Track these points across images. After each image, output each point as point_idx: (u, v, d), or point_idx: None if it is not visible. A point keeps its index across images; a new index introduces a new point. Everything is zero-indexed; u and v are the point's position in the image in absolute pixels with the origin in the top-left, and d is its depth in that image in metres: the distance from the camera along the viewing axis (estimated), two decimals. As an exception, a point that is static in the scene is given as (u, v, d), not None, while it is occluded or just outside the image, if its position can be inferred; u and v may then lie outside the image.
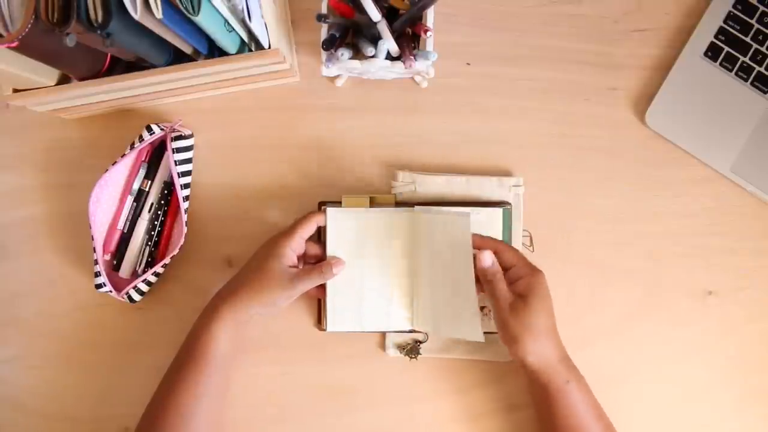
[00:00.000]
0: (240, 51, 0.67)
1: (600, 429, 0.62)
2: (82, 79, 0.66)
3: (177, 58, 0.68)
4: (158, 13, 0.56)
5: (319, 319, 0.72)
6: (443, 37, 0.72)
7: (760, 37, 0.71)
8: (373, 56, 0.64)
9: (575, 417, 0.61)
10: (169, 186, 0.74)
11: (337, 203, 0.71)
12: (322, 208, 0.71)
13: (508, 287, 0.63)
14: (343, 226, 0.70)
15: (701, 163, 0.72)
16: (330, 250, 0.70)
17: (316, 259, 0.71)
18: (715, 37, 0.72)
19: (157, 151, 0.74)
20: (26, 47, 0.56)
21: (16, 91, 0.66)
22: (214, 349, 0.63)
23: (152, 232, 0.73)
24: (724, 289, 0.72)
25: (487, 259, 0.65)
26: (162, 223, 0.74)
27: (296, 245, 0.67)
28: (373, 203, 0.71)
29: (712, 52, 0.72)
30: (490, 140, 0.74)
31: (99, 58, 0.66)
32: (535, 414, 0.66)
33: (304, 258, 0.70)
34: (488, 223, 0.70)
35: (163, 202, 0.73)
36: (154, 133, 0.70)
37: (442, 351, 0.72)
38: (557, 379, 0.62)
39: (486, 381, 0.72)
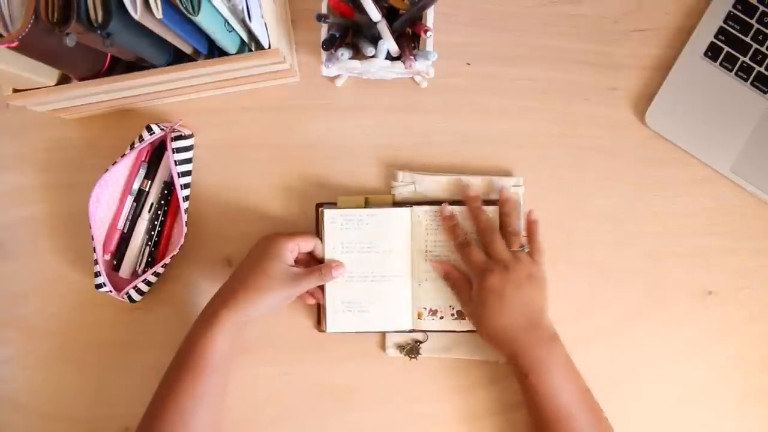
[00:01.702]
0: (240, 51, 0.67)
1: (567, 422, 0.62)
2: (82, 79, 0.66)
3: (177, 58, 0.68)
4: (158, 13, 0.56)
5: (319, 321, 0.72)
6: (443, 37, 0.71)
7: (760, 37, 0.71)
8: (373, 56, 0.64)
9: (538, 409, 0.63)
10: (169, 186, 0.74)
11: (335, 204, 0.71)
12: (320, 210, 0.71)
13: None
14: (341, 228, 0.70)
15: (701, 163, 0.72)
16: (328, 252, 0.70)
17: (305, 264, 0.71)
18: (715, 37, 0.72)
19: (157, 151, 0.74)
20: (26, 47, 0.56)
21: (16, 91, 0.66)
22: (213, 352, 0.63)
23: (152, 232, 0.73)
24: (724, 289, 0.72)
25: (438, 269, 0.70)
26: (162, 223, 0.74)
27: (293, 248, 0.68)
28: (368, 203, 0.72)
29: (712, 52, 0.72)
30: (490, 140, 0.74)
31: (99, 58, 0.66)
32: None
33: (297, 261, 0.70)
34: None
35: (163, 202, 0.73)
36: (154, 133, 0.70)
37: (442, 351, 0.72)
38: (517, 374, 0.64)
39: (486, 381, 0.72)
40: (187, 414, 0.62)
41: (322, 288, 0.71)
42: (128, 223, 0.73)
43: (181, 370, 0.63)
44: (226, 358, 0.64)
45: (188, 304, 0.70)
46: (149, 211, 0.73)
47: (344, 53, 0.64)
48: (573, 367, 0.65)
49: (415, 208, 0.71)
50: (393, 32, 0.64)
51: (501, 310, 0.64)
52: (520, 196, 0.72)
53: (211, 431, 0.64)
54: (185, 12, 0.57)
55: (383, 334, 0.72)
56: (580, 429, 0.62)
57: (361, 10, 0.61)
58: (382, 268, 0.71)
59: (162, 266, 0.71)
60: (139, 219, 0.73)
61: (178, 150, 0.72)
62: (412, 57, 0.64)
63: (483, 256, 0.66)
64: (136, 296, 0.71)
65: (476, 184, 0.72)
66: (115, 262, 0.73)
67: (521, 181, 0.72)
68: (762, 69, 0.71)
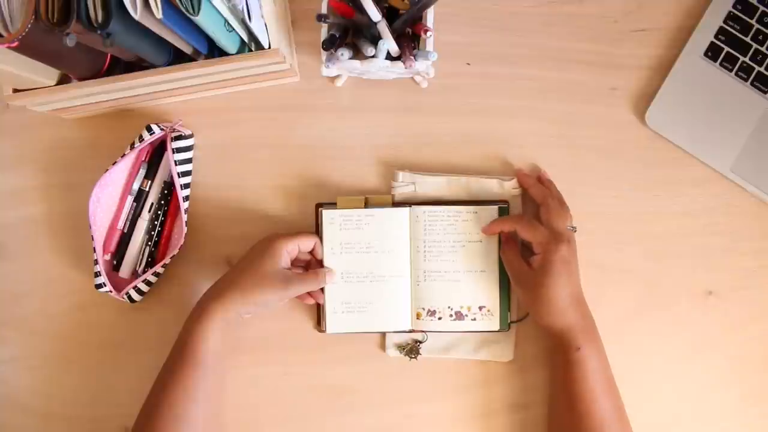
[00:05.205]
0: (240, 51, 0.67)
1: (603, 399, 0.63)
2: (82, 79, 0.66)
3: (177, 58, 0.68)
4: (158, 13, 0.56)
5: (319, 321, 0.72)
6: (443, 37, 0.71)
7: (760, 37, 0.71)
8: (373, 56, 0.64)
9: (580, 384, 0.63)
10: (169, 186, 0.74)
11: (335, 204, 0.72)
12: (319, 210, 0.71)
13: (524, 261, 0.67)
14: (340, 228, 0.70)
15: (701, 163, 0.72)
16: (327, 252, 0.70)
17: (306, 264, 0.71)
18: (715, 37, 0.72)
19: (157, 151, 0.74)
20: (26, 47, 0.57)
21: (16, 91, 0.66)
22: (204, 349, 0.63)
23: (152, 232, 0.73)
24: (724, 289, 0.72)
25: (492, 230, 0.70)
26: (162, 223, 0.74)
27: (292, 249, 0.68)
28: (368, 203, 0.72)
29: (712, 52, 0.72)
30: (490, 140, 0.74)
31: (99, 58, 0.66)
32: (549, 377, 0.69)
33: (294, 262, 0.70)
34: (485, 220, 0.70)
35: (163, 202, 0.73)
36: (154, 133, 0.70)
37: (441, 351, 0.72)
38: (567, 346, 0.64)
39: (486, 381, 0.72)
40: (181, 412, 0.62)
41: (321, 288, 0.71)
42: (128, 223, 0.73)
43: (174, 369, 0.63)
44: (218, 356, 0.64)
45: (188, 304, 0.70)
46: (149, 211, 0.73)
47: (344, 53, 0.64)
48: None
49: (414, 207, 0.71)
50: (393, 32, 0.64)
51: (568, 280, 0.64)
52: (520, 197, 0.72)
53: (208, 430, 0.64)
54: (185, 12, 0.57)
55: (383, 334, 0.72)
56: (608, 409, 0.63)
57: (361, 10, 0.61)
58: (381, 269, 0.71)
59: (162, 266, 0.71)
60: (139, 219, 0.73)
61: (178, 150, 0.72)
62: (412, 57, 0.64)
63: (546, 230, 0.66)
64: (136, 296, 0.71)
65: (476, 184, 0.72)
66: (115, 262, 0.73)
67: (521, 181, 0.72)
68: (762, 69, 0.71)
